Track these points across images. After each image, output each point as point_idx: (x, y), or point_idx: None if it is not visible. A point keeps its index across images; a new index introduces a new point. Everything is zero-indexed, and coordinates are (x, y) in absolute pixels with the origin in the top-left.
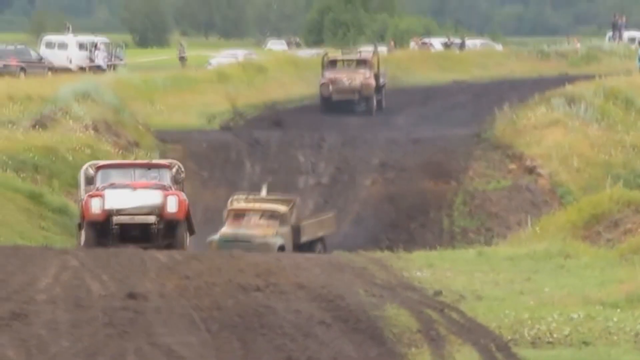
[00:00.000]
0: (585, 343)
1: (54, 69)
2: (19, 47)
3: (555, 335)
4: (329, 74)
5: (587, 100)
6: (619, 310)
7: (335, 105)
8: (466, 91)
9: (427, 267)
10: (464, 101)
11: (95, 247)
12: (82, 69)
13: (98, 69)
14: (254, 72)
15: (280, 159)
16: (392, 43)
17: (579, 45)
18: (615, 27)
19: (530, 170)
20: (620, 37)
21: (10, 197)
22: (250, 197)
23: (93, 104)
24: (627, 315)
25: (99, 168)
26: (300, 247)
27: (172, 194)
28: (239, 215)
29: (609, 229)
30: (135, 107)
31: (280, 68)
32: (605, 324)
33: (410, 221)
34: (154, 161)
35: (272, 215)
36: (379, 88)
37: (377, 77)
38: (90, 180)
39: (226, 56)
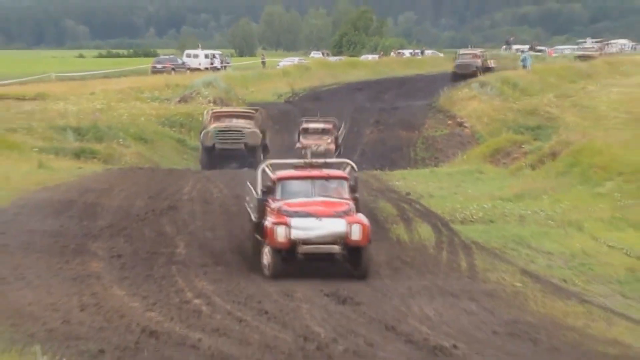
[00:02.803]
0: (491, 221)
1: (191, 69)
2: (170, 56)
3: (474, 217)
4: (303, 140)
5: (492, 84)
6: (510, 202)
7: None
8: (424, 80)
9: (401, 179)
10: (422, 85)
11: (280, 271)
12: (206, 69)
13: (216, 69)
14: (303, 70)
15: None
16: (381, 53)
17: (487, 54)
18: (508, 42)
19: (460, 124)
20: (511, 48)
21: (167, 142)
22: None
23: (213, 88)
24: (515, 206)
25: (279, 179)
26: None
27: (356, 222)
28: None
29: (504, 157)
30: (237, 90)
31: (318, 67)
32: (502, 210)
33: (392, 153)
34: (332, 172)
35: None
36: (337, 147)
37: (336, 139)
38: (270, 189)
39: (287, 61)
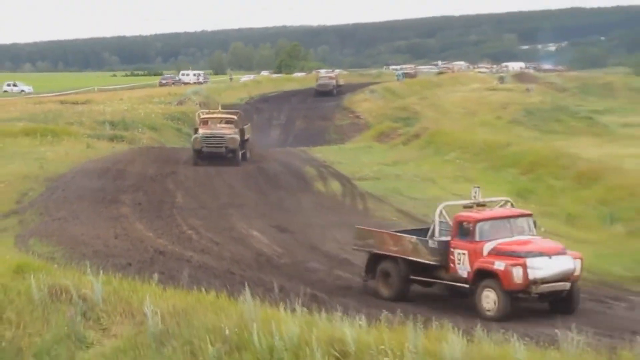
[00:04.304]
0: (378, 179)
1: (184, 83)
2: (171, 75)
3: (367, 176)
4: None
5: (378, 91)
6: (390, 166)
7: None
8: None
9: (320, 153)
10: (334, 93)
11: (509, 312)
12: (194, 83)
13: (200, 83)
14: (256, 83)
15: (267, 114)
16: (307, 72)
17: (374, 71)
18: (387, 65)
19: (357, 117)
20: (389, 68)
21: (170, 130)
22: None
23: (199, 96)
24: (393, 168)
25: (478, 220)
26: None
27: (578, 257)
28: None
29: (387, 137)
30: (214, 96)
31: (266, 81)
32: (385, 172)
33: (314, 137)
34: (521, 210)
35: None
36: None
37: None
38: (465, 232)
39: (246, 77)
